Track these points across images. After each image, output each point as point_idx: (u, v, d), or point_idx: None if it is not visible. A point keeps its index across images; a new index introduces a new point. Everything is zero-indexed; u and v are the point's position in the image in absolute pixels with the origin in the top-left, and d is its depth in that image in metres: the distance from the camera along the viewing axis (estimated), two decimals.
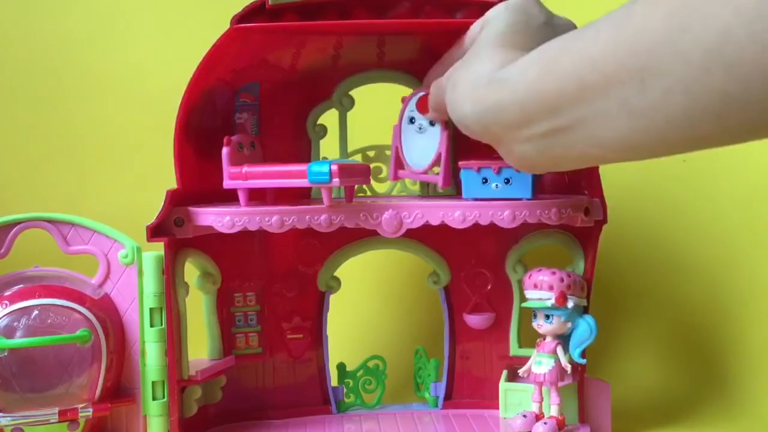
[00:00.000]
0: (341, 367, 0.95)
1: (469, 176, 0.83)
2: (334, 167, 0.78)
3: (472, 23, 0.73)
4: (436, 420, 0.92)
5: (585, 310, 0.87)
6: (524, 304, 0.88)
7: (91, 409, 0.80)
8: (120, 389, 0.84)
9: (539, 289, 0.85)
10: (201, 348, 0.90)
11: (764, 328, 1.08)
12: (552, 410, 0.86)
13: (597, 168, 0.86)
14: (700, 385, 1.04)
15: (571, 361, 0.85)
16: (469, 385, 0.96)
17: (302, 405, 0.94)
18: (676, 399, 1.01)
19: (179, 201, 0.83)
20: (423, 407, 0.96)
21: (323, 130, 0.95)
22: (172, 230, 0.83)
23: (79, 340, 0.79)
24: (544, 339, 0.87)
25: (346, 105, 0.94)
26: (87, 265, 0.85)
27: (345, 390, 0.95)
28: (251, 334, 0.93)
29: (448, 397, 0.95)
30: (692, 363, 1.08)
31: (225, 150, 0.83)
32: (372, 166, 0.92)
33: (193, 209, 0.83)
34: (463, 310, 0.95)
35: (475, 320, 0.95)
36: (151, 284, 0.83)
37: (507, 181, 0.81)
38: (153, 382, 0.83)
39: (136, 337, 0.83)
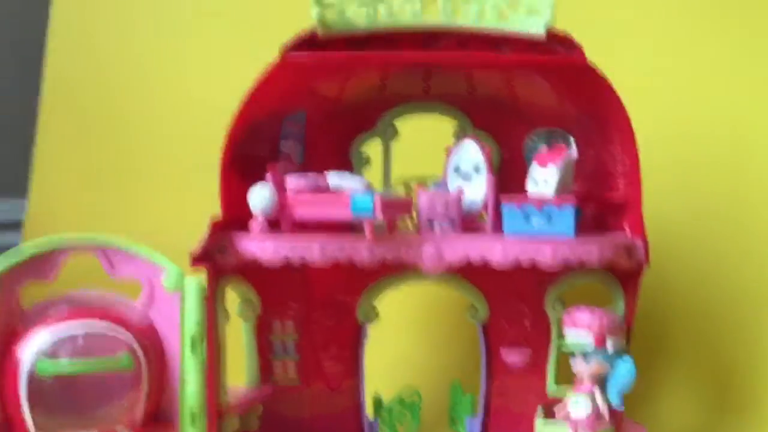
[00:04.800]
0: (377, 400, 0.94)
1: (510, 212, 0.82)
2: (378, 201, 0.78)
3: (518, 60, 0.73)
4: None
5: (624, 351, 0.86)
6: (563, 348, 0.86)
7: None
8: (159, 415, 0.84)
9: (578, 328, 0.84)
10: (237, 373, 0.91)
11: None
12: None
13: (640, 207, 0.85)
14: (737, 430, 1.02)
15: (608, 404, 0.84)
16: (505, 421, 0.95)
17: None
18: None
19: (223, 228, 0.84)
20: None
21: (366, 159, 0.95)
22: (215, 257, 0.83)
23: (122, 365, 0.80)
24: (582, 378, 0.86)
25: (389, 135, 0.94)
26: (130, 288, 0.86)
27: (380, 423, 0.94)
28: (289, 363, 0.93)
29: None
30: (730, 408, 1.06)
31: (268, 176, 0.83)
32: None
33: (236, 237, 0.83)
34: (501, 346, 0.95)
35: (512, 356, 0.94)
36: (193, 312, 0.83)
37: (549, 218, 0.81)
38: (191, 410, 0.83)
39: (176, 364, 0.84)
